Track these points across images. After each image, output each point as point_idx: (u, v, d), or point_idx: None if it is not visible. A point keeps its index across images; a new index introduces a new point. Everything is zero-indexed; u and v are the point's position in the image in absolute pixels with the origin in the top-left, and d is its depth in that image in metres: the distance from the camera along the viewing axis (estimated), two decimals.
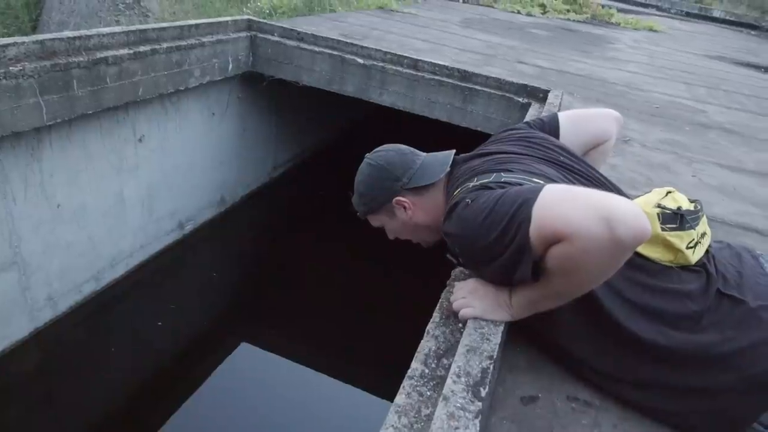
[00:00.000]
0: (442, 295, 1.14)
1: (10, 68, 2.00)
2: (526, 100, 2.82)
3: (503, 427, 0.91)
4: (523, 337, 1.09)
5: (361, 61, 3.13)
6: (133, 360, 2.62)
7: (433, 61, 3.04)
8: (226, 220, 3.73)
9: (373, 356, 2.75)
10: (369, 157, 1.23)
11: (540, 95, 2.85)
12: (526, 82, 2.91)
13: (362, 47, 3.16)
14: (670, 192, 1.06)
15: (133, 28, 2.56)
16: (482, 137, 2.70)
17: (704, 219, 1.05)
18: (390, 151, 1.22)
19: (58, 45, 2.21)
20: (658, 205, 1.01)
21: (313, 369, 2.66)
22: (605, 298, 0.95)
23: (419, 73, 3.05)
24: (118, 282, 2.92)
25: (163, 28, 2.70)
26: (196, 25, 2.92)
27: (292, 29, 3.31)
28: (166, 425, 2.25)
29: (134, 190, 2.88)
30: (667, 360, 0.94)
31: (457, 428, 0.76)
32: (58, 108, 2.21)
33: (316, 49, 3.21)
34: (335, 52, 3.18)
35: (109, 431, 2.22)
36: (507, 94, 2.88)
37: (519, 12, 8.43)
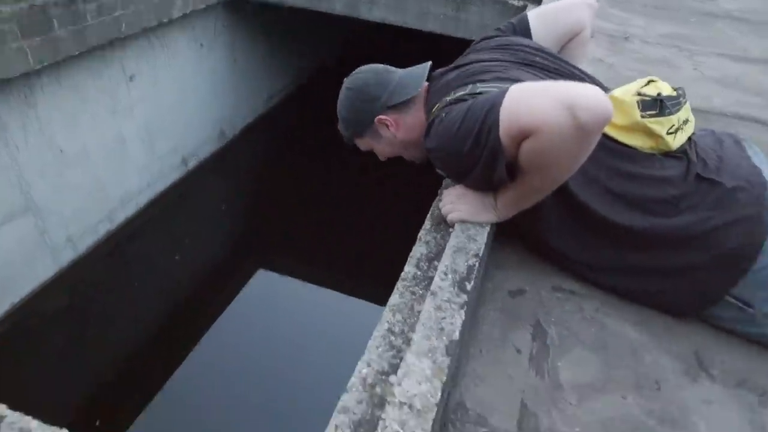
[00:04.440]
0: (433, 204, 1.19)
1: None
2: (522, 2, 2.70)
3: (491, 316, 0.99)
4: (511, 234, 1.14)
5: None
6: (155, 293, 2.77)
7: None
8: (228, 153, 3.76)
9: (374, 266, 2.87)
10: (346, 81, 1.23)
11: None
12: None
13: None
14: (652, 81, 1.05)
15: None
16: None
17: (687, 106, 1.06)
18: (366, 72, 1.21)
19: None
20: (638, 93, 1.01)
21: (321, 285, 2.81)
22: (582, 190, 0.98)
23: None
24: (131, 220, 3.02)
25: None
26: None
27: None
28: (193, 352, 2.41)
29: (133, 129, 2.89)
30: (646, 244, 0.98)
31: (443, 318, 0.83)
32: (42, 51, 2.19)
33: None
34: None
35: (137, 362, 2.39)
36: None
37: None
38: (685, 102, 1.05)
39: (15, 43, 2.08)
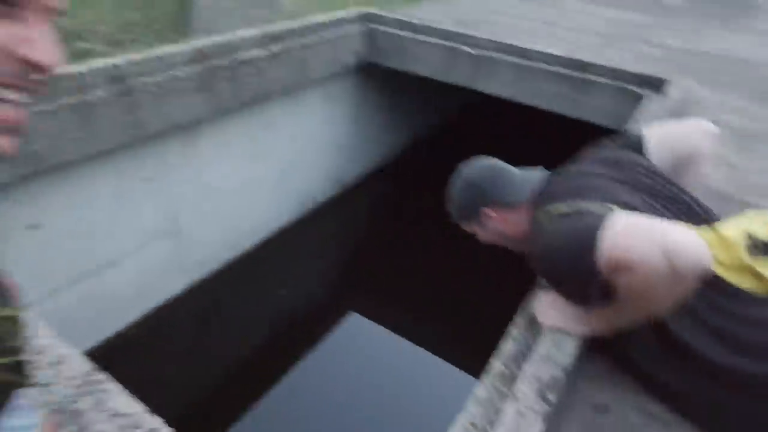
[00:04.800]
0: (527, 301, 1.26)
1: (174, 72, 2.41)
2: (641, 91, 2.70)
3: (572, 429, 1.03)
4: (600, 347, 1.18)
5: (471, 51, 3.19)
6: (260, 319, 3.06)
7: (542, 50, 3.00)
8: (343, 200, 4.06)
9: (464, 332, 2.92)
10: (462, 170, 1.37)
11: (657, 84, 2.70)
12: (648, 67, 2.77)
13: (471, 37, 3.21)
14: (762, 216, 1.06)
15: (265, 30, 2.88)
16: (593, 130, 2.65)
17: None
18: (481, 165, 1.34)
19: (207, 49, 2.59)
20: (748, 233, 1.02)
21: (410, 341, 2.90)
22: (679, 323, 1.01)
23: (528, 62, 3.03)
24: (251, 252, 3.38)
25: (291, 29, 2.99)
26: (318, 23, 3.18)
27: (407, 21, 3.44)
28: (284, 379, 2.63)
29: (265, 171, 3.28)
30: (748, 388, 0.97)
31: (523, 424, 0.90)
32: (207, 105, 2.61)
33: (430, 40, 3.32)
34: (447, 43, 3.27)
35: (237, 375, 2.66)
36: (622, 84, 2.77)
37: None
38: None
39: (190, 96, 2.52)
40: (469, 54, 3.21)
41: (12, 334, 0.47)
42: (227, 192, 3.04)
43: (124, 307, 2.73)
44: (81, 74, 2.05)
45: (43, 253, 2.23)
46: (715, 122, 1.32)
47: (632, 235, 0.89)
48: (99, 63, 2.15)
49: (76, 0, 4.05)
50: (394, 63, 3.55)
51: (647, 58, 3.37)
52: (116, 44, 3.50)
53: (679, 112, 2.41)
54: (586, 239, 0.95)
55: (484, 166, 1.35)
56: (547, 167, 1.35)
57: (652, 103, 2.54)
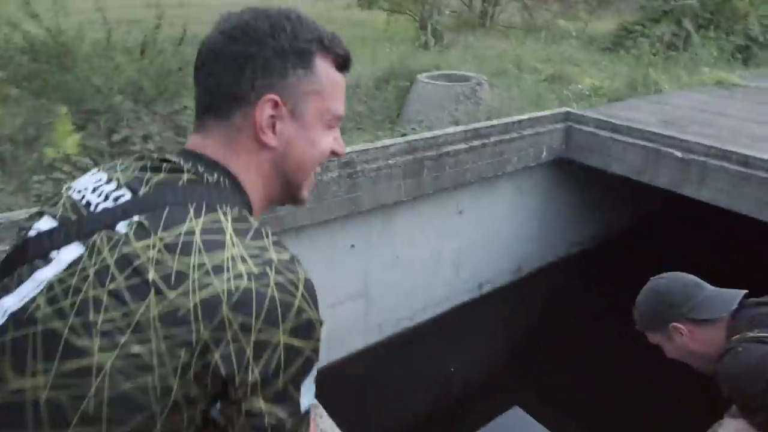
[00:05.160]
0: (712, 427, 1.18)
1: (389, 161, 2.86)
2: None
3: None
4: None
5: (678, 154, 3.06)
6: (425, 390, 3.19)
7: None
8: (520, 287, 4.08)
9: None
10: (652, 281, 1.37)
11: None
12: None
13: (681, 140, 3.09)
14: None
15: (470, 127, 3.23)
16: None
17: None
18: (673, 280, 1.33)
19: (418, 143, 3.01)
20: None
21: None
22: None
23: (750, 171, 2.78)
24: (426, 324, 3.59)
25: (493, 125, 3.29)
26: (519, 121, 3.43)
27: (606, 120, 3.48)
28: None
29: (450, 251, 3.53)
30: None
31: None
32: (410, 189, 3.00)
33: (630, 140, 3.29)
34: (650, 144, 3.20)
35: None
36: None
37: None
38: None
39: (397, 181, 2.94)
40: (676, 157, 3.08)
41: None
42: (412, 264, 3.35)
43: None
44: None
45: None
46: None
47: None
48: None
49: None
50: (590, 160, 3.58)
51: None
52: (343, 132, 4.24)
53: None
54: None
55: (676, 279, 1.35)
56: (752, 290, 1.28)
57: None
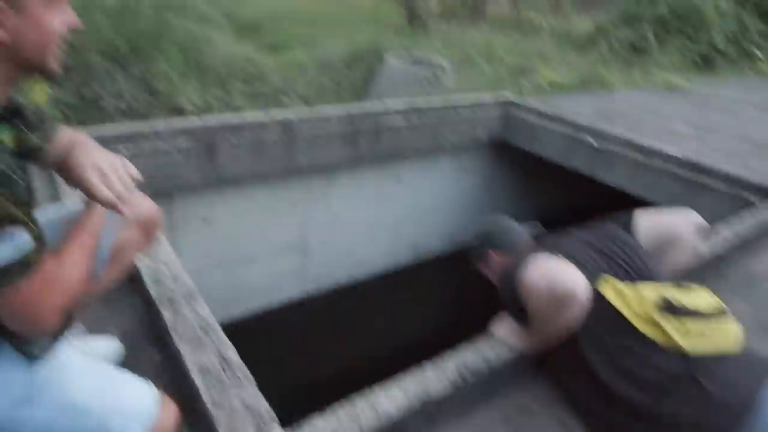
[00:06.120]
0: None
1: (328, 129, 3.18)
2: (754, 198, 2.62)
3: None
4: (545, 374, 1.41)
5: (592, 141, 3.41)
6: (354, 340, 3.55)
7: (665, 150, 3.08)
8: (456, 258, 4.44)
9: None
10: (481, 222, 1.74)
11: None
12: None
13: (596, 130, 3.43)
14: (696, 291, 1.22)
15: (409, 103, 3.55)
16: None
17: (728, 326, 1.17)
18: (491, 220, 1.70)
19: (357, 114, 3.33)
20: (664, 295, 1.19)
21: None
22: (596, 362, 1.23)
23: (647, 160, 3.13)
24: (361, 282, 3.95)
25: (432, 106, 3.62)
26: (459, 104, 3.76)
27: (537, 109, 3.81)
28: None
29: (389, 216, 3.88)
30: (642, 417, 1.15)
31: None
32: (348, 155, 3.34)
33: (556, 128, 3.63)
34: (571, 132, 3.54)
35: (329, 373, 3.16)
36: (737, 192, 2.72)
37: None
38: (725, 322, 1.17)
39: (335, 146, 3.27)
40: (590, 145, 3.43)
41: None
42: (350, 225, 3.70)
43: (253, 296, 3.50)
44: (263, 124, 2.92)
45: (207, 239, 3.11)
46: None
47: (535, 271, 1.20)
48: (278, 114, 3.02)
49: (290, 65, 5.36)
50: (524, 143, 3.92)
51: None
52: (306, 101, 4.57)
53: None
54: (517, 274, 1.27)
55: (494, 219, 1.72)
56: None
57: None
